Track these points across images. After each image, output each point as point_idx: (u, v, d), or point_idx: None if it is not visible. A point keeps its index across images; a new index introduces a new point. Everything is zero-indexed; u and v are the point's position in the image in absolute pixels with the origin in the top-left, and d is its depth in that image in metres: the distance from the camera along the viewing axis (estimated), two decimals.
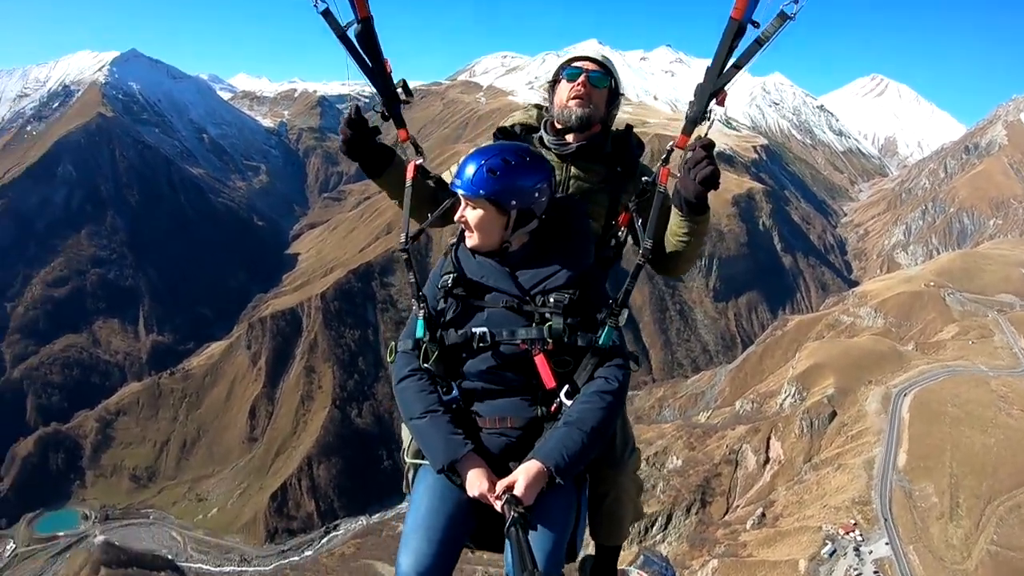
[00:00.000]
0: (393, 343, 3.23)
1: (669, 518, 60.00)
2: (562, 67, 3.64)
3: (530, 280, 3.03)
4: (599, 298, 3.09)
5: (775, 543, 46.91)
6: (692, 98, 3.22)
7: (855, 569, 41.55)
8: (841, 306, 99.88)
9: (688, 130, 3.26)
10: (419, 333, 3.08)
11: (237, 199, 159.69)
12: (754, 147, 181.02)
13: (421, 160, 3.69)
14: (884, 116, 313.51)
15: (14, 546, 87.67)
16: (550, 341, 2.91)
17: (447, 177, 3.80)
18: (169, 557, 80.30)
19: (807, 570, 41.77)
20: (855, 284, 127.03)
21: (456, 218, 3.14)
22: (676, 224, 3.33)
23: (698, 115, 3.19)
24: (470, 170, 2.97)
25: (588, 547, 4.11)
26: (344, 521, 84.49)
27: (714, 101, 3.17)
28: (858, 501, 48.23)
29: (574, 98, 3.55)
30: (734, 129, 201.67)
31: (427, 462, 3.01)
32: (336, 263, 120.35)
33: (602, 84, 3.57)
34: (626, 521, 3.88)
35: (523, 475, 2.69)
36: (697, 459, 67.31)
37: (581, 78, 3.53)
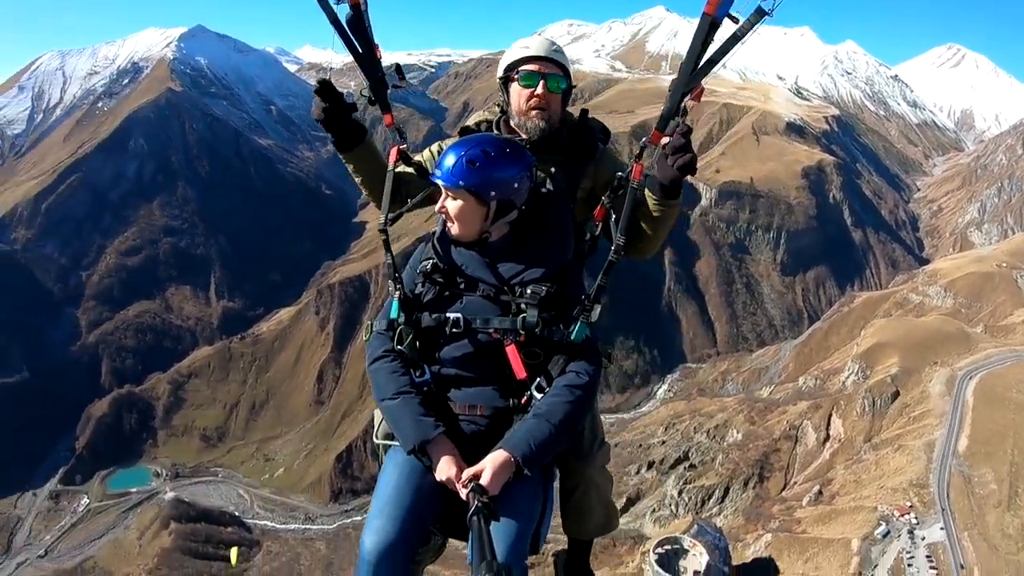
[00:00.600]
0: (369, 323, 3.29)
1: (726, 491, 59.88)
2: (513, 68, 3.61)
3: (508, 271, 3.07)
4: (575, 293, 3.11)
5: (829, 521, 46.37)
6: (668, 92, 3.20)
7: (907, 552, 40.96)
8: (910, 284, 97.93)
9: (662, 126, 3.24)
10: (393, 314, 3.14)
11: (305, 169, 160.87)
12: (825, 117, 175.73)
13: (404, 145, 3.71)
14: (960, 88, 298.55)
15: (88, 501, 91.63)
16: (523, 333, 2.95)
17: (423, 161, 3.87)
18: (236, 514, 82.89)
19: (860, 549, 41.10)
20: (926, 262, 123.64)
21: (437, 208, 3.17)
22: (649, 207, 3.35)
23: (672, 111, 3.19)
24: (450, 161, 3.01)
25: (561, 544, 4.47)
26: None
27: (688, 97, 3.17)
28: (915, 483, 47.51)
29: (533, 108, 3.56)
30: (805, 99, 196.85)
31: (396, 443, 3.06)
32: (403, 231, 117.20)
33: (560, 88, 3.58)
34: (594, 515, 3.88)
35: (490, 464, 2.74)
36: (757, 433, 66.98)
37: (539, 87, 3.52)
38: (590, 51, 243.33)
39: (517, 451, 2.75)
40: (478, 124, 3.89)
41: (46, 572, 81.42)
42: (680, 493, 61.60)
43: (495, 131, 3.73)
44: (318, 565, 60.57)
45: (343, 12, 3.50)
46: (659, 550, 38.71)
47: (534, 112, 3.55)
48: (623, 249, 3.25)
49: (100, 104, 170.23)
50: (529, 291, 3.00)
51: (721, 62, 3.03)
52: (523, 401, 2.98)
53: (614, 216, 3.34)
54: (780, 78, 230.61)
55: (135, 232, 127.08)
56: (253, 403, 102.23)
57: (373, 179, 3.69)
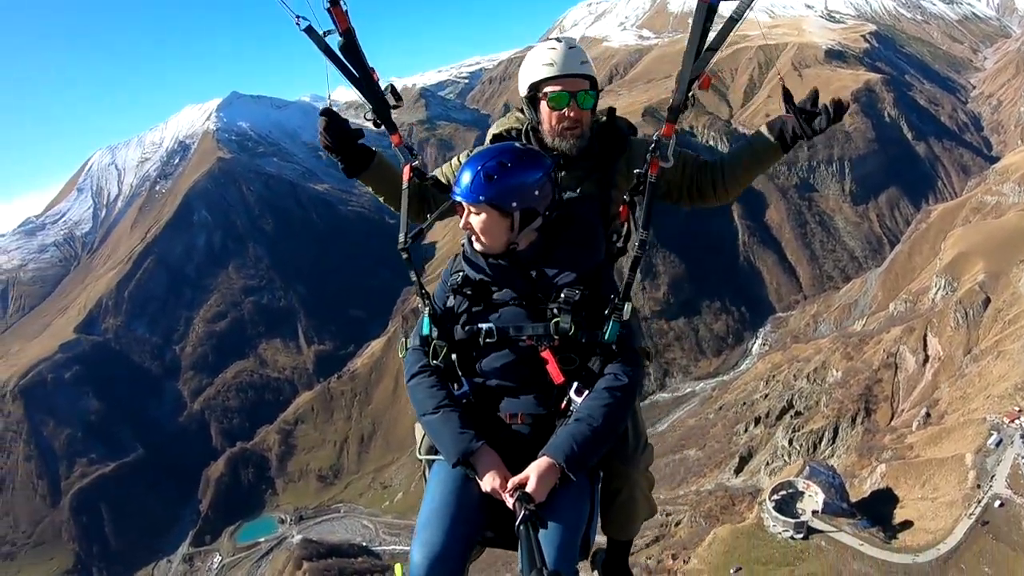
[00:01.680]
0: (403, 339, 3.30)
1: (836, 431, 59.07)
2: (539, 87, 3.48)
3: (539, 277, 3.04)
4: (609, 294, 3.06)
5: (940, 441, 45.30)
6: (674, 85, 3.19)
7: (1023, 457, 39.63)
8: (983, 186, 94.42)
9: (672, 118, 3.25)
10: (425, 331, 3.12)
11: (365, 203, 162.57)
12: (863, 36, 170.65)
13: (416, 162, 3.69)
14: None
15: (220, 558, 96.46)
16: (556, 338, 2.91)
17: (440, 176, 3.84)
18: (364, 544, 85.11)
19: (974, 463, 39.87)
20: (997, 160, 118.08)
21: (461, 225, 3.10)
22: (762, 156, 3.38)
23: (680, 102, 3.18)
24: (467, 177, 2.97)
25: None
26: None
27: (696, 85, 3.16)
28: (1021, 387, 45.85)
29: (568, 129, 3.47)
30: (839, 22, 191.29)
31: (440, 458, 3.02)
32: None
33: (590, 103, 3.48)
34: (639, 517, 3.82)
35: (534, 472, 2.70)
36: (856, 368, 65.86)
37: (572, 108, 3.41)
38: (615, 25, 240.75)
39: (560, 456, 2.73)
40: (507, 132, 3.80)
41: None
42: (791, 442, 60.96)
43: (524, 141, 3.63)
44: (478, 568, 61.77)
45: (335, 41, 3.51)
46: (775, 496, 38.88)
47: (568, 132, 3.48)
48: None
49: (158, 187, 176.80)
50: (562, 296, 2.96)
51: (722, 47, 3.04)
52: (563, 406, 2.97)
53: (636, 213, 3.38)
54: (809, 7, 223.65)
55: (217, 299, 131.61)
56: (361, 436, 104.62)
57: (396, 198, 3.66)
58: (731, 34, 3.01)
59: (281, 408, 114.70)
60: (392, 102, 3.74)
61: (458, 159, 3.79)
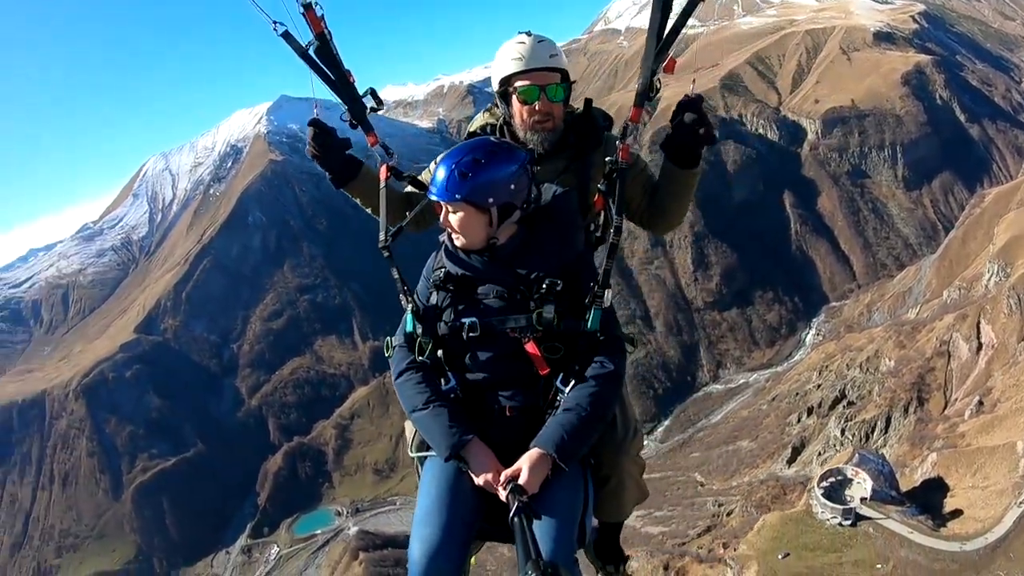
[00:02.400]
0: (388, 339, 3.31)
1: (888, 421, 58.15)
2: (510, 82, 3.53)
3: (521, 269, 3.04)
4: (591, 283, 3.06)
5: (992, 429, 44.21)
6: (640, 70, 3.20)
7: None
8: None
9: (639, 102, 3.26)
10: (409, 328, 3.14)
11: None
12: (912, 17, 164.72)
13: (392, 161, 3.75)
14: None
15: (278, 549, 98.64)
16: (539, 328, 2.92)
17: (424, 176, 3.89)
18: None
19: None
20: None
21: (440, 223, 3.15)
22: (673, 180, 3.43)
23: (646, 87, 3.19)
24: (441, 175, 2.99)
25: None
26: None
27: (660, 68, 3.16)
28: None
29: (537, 122, 3.51)
30: (887, 3, 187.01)
31: (432, 454, 3.07)
32: None
33: (561, 96, 3.51)
34: (629, 502, 3.84)
35: (526, 463, 2.74)
36: (909, 357, 64.90)
37: (542, 102, 3.46)
38: None
39: (551, 447, 2.76)
40: (483, 128, 3.84)
41: None
42: (843, 432, 60.42)
43: (499, 137, 3.67)
44: (505, 567, 62.12)
45: (311, 45, 3.55)
46: (823, 483, 38.53)
47: (539, 125, 3.52)
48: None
49: (212, 191, 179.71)
50: (544, 287, 2.96)
51: (684, 28, 3.04)
52: (551, 397, 2.98)
53: (610, 200, 3.35)
54: None
55: (273, 298, 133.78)
56: None
57: (390, 219, 3.59)
58: (690, 16, 3.05)
59: (337, 403, 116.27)
60: (371, 104, 3.77)
61: (435, 163, 3.68)
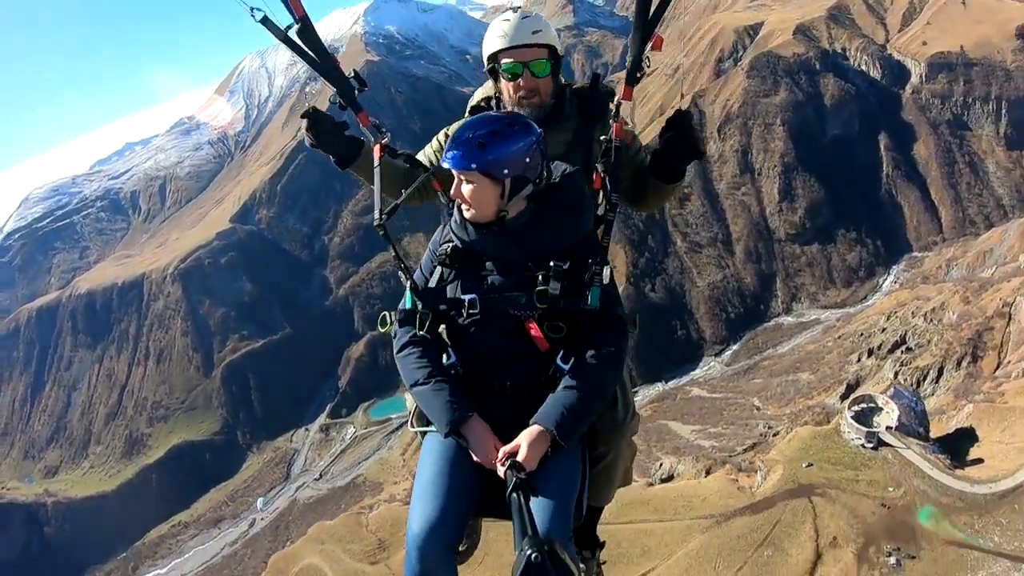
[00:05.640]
0: (389, 313, 3.37)
1: (940, 372, 59.99)
2: (496, 59, 3.73)
3: (529, 246, 3.13)
4: (598, 261, 3.18)
5: None
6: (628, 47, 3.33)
7: None
8: None
9: (631, 80, 3.47)
10: (408, 304, 3.28)
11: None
12: None
13: (385, 139, 3.86)
14: None
15: (354, 430, 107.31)
16: (540, 306, 3.03)
17: (422, 156, 4.14)
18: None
19: None
20: None
21: (452, 194, 3.19)
22: (656, 186, 3.67)
23: (636, 65, 3.42)
24: (458, 145, 3.04)
25: None
26: (642, 387, 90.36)
27: (649, 47, 3.35)
28: None
29: (523, 97, 3.72)
30: None
31: (432, 429, 3.22)
32: None
33: (545, 71, 3.68)
34: (614, 485, 3.95)
35: (525, 440, 2.86)
36: (971, 313, 66.37)
37: (524, 77, 3.66)
38: None
39: (551, 424, 2.88)
40: (485, 101, 4.03)
41: (321, 491, 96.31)
42: (896, 375, 61.74)
43: (496, 109, 3.88)
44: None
45: (292, 29, 3.62)
46: (855, 407, 41.92)
47: (524, 101, 3.71)
48: (617, 206, 3.50)
49: (307, 88, 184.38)
50: (551, 264, 3.04)
51: (667, 9, 3.21)
52: (551, 374, 3.08)
53: (606, 177, 3.54)
54: None
55: (365, 193, 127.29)
56: None
57: (389, 183, 3.83)
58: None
59: None
60: (356, 86, 3.86)
61: (445, 134, 4.03)
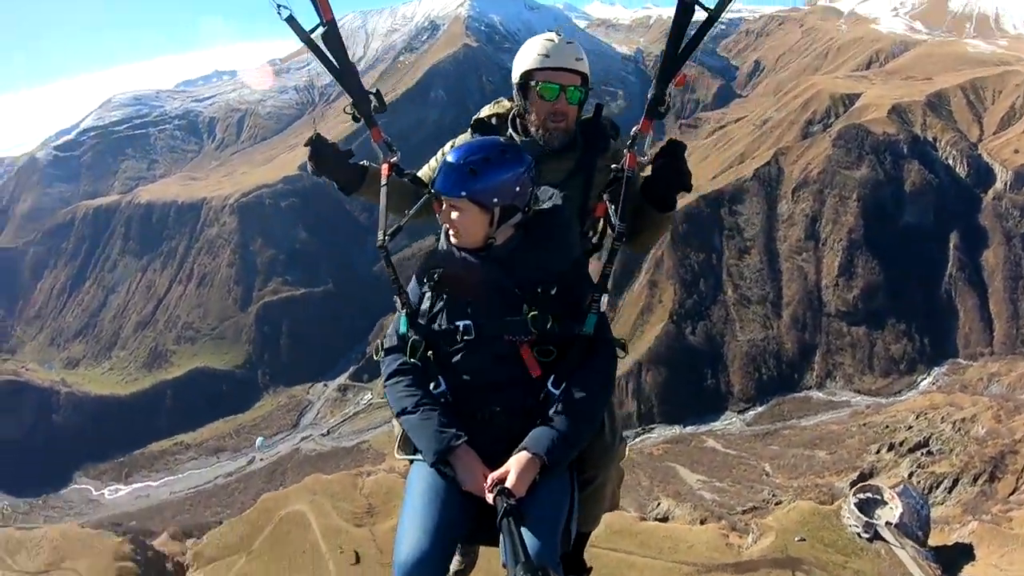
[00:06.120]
0: (379, 341, 3.41)
1: (955, 482, 59.54)
2: (532, 76, 3.74)
3: (517, 273, 3.16)
4: (585, 288, 3.26)
5: None
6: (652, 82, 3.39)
7: None
8: None
9: (651, 114, 3.47)
10: (403, 329, 3.27)
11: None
12: None
13: (395, 158, 3.95)
14: None
15: (371, 397, 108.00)
16: (534, 331, 3.05)
17: (426, 172, 4.24)
18: None
19: None
20: None
21: (440, 219, 3.24)
22: (648, 215, 3.66)
23: (659, 100, 3.43)
24: (449, 171, 3.09)
25: None
26: (659, 427, 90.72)
27: (672, 84, 3.38)
28: None
29: (554, 122, 3.74)
30: None
31: (419, 457, 3.20)
32: None
33: (578, 99, 3.74)
34: (602, 509, 3.99)
35: (514, 466, 2.86)
36: (1000, 432, 65.10)
37: (560, 101, 3.70)
38: (888, 9, 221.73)
39: (540, 449, 2.88)
40: (490, 118, 4.09)
41: (325, 447, 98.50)
42: (911, 476, 61.17)
43: (508, 129, 3.95)
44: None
45: (317, 32, 3.70)
46: (860, 495, 41.08)
47: (552, 125, 3.73)
48: (625, 236, 3.43)
49: (401, 58, 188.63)
50: (539, 290, 3.09)
51: (699, 46, 3.24)
52: (541, 399, 3.09)
53: (613, 207, 3.55)
54: None
55: None
56: None
57: (395, 204, 3.90)
58: (707, 36, 3.19)
59: None
60: (375, 104, 3.97)
61: (441, 153, 4.07)
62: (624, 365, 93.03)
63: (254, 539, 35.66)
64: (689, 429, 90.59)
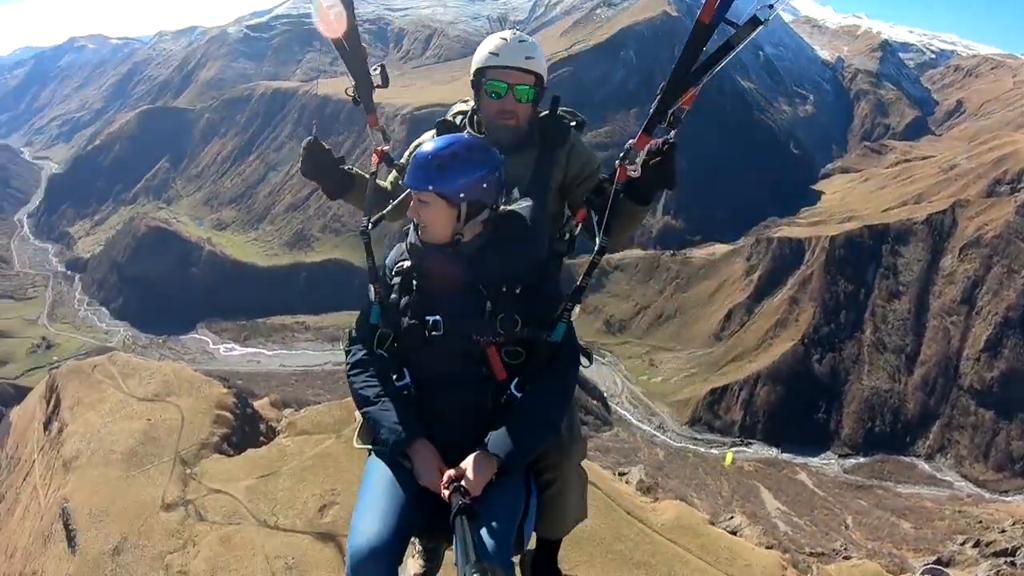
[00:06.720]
0: (348, 329, 3.41)
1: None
2: (483, 74, 3.68)
3: (483, 271, 3.10)
4: (552, 291, 3.24)
5: None
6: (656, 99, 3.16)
7: None
8: None
9: (649, 130, 3.27)
10: (374, 319, 3.25)
11: (779, 122, 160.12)
12: None
13: (386, 147, 3.91)
14: None
15: None
16: (502, 333, 3.02)
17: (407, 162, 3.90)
18: (604, 393, 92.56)
19: None
20: None
21: (408, 213, 3.20)
22: (624, 208, 3.40)
23: (659, 116, 3.19)
24: (416, 165, 3.06)
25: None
26: (757, 444, 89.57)
27: (680, 102, 3.14)
28: None
29: (502, 119, 3.69)
30: None
31: (378, 447, 3.21)
32: (855, 214, 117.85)
33: (528, 97, 3.66)
34: (568, 515, 3.90)
35: (472, 465, 2.85)
36: None
37: (508, 99, 3.64)
38: None
39: (498, 450, 2.89)
40: (455, 117, 4.01)
41: None
42: None
43: (469, 126, 3.88)
44: (653, 464, 67.10)
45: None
46: (926, 574, 40.09)
47: (501, 122, 3.69)
48: (607, 250, 3.33)
49: (597, 11, 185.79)
50: (505, 290, 3.07)
51: (713, 72, 3.00)
52: (503, 401, 3.07)
53: (595, 217, 3.44)
54: None
55: (607, 131, 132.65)
56: (661, 313, 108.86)
57: (373, 207, 3.74)
58: (723, 62, 2.97)
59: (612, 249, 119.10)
60: (378, 83, 3.88)
61: (415, 145, 3.81)
62: (743, 372, 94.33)
63: (346, 425, 38.47)
64: (785, 456, 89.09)
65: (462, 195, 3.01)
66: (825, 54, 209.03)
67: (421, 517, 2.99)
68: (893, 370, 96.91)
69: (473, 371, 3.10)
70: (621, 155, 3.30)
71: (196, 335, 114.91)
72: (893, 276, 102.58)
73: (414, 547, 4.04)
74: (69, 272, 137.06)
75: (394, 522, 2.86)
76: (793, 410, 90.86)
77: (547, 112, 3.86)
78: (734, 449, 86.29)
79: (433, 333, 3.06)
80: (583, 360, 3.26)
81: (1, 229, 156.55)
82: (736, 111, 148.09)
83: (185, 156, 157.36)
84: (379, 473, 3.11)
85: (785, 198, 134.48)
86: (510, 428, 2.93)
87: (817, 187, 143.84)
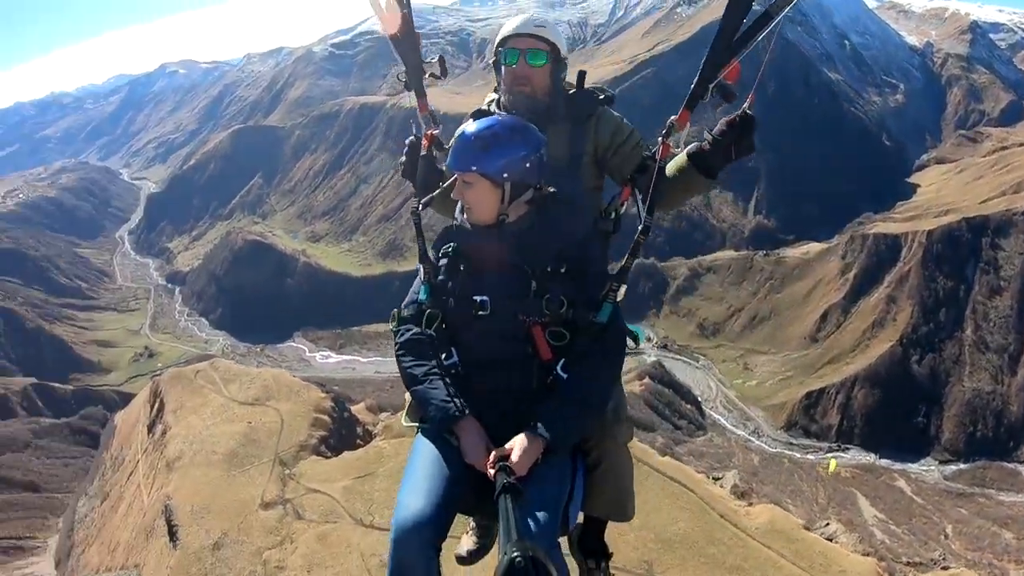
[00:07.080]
0: (396, 309, 3.44)
1: None
2: (498, 48, 3.81)
3: (529, 251, 3.14)
4: (598, 270, 3.24)
5: None
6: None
7: None
8: None
9: (691, 105, 3.27)
10: (423, 297, 3.29)
11: (869, 113, 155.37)
12: None
13: (436, 130, 4.02)
14: None
15: None
16: (548, 313, 3.04)
17: None
18: (698, 398, 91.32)
19: None
20: None
21: (453, 195, 3.30)
22: (689, 178, 3.40)
23: (702, 91, 3.19)
24: (460, 146, 3.15)
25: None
26: (855, 449, 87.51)
27: (721, 76, 3.13)
28: None
29: (518, 86, 3.75)
30: None
31: (425, 425, 3.28)
32: (952, 206, 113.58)
33: (539, 61, 3.71)
34: (606, 492, 3.80)
35: (518, 445, 2.86)
36: None
37: (521, 65, 3.71)
38: None
39: (544, 431, 2.89)
40: (489, 105, 4.03)
41: None
42: None
43: (496, 110, 3.90)
44: (747, 468, 66.88)
45: None
46: None
47: (517, 88, 3.74)
48: (650, 230, 3.26)
49: (679, 10, 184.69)
50: (550, 269, 3.08)
51: (753, 42, 2.97)
52: (549, 381, 3.09)
53: (640, 195, 3.44)
54: None
55: (695, 131, 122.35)
56: (755, 315, 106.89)
57: (425, 189, 3.92)
58: (763, 33, 2.93)
59: (703, 251, 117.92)
60: (436, 72, 4.02)
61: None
62: (839, 375, 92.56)
63: None
64: (884, 462, 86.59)
65: (505, 175, 3.10)
66: (913, 40, 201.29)
67: (467, 494, 3.04)
68: (996, 371, 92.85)
69: (519, 351, 3.13)
70: (664, 132, 3.38)
71: (293, 343, 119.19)
72: (994, 271, 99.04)
73: (468, 524, 4.15)
74: (169, 285, 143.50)
75: (438, 499, 2.89)
76: (891, 414, 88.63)
77: (575, 89, 3.94)
78: (832, 455, 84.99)
79: (480, 313, 3.12)
80: (630, 342, 3.27)
81: (104, 246, 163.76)
82: (824, 104, 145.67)
83: (278, 172, 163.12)
84: (426, 450, 3.16)
85: (879, 192, 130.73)
86: (556, 409, 2.98)
87: (912, 180, 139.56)
